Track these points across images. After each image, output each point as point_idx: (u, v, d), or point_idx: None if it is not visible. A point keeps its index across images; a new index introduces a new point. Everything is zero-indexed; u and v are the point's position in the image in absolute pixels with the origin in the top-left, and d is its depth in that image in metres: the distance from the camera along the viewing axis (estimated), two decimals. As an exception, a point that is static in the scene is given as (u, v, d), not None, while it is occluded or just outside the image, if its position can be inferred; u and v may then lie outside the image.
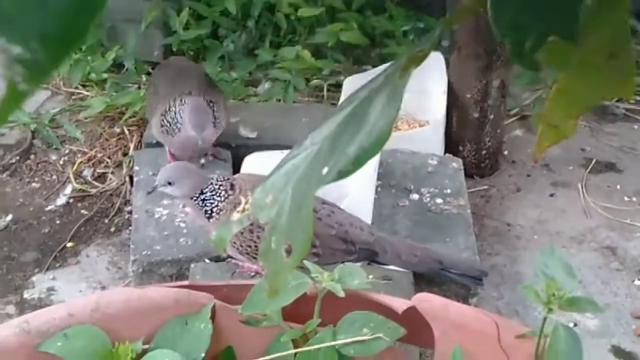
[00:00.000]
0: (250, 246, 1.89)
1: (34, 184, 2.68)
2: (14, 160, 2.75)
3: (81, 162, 2.73)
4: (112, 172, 2.70)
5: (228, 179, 1.94)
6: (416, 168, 2.48)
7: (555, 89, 0.71)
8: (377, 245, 1.95)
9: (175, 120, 2.31)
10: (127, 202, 2.59)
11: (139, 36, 2.98)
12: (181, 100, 2.31)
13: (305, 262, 1.41)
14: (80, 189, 2.65)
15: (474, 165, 2.69)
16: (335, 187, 2.26)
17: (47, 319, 1.40)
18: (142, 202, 2.33)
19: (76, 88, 2.98)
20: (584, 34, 0.56)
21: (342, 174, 0.60)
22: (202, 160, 2.46)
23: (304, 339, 1.41)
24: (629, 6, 0.67)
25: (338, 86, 2.90)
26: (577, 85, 0.69)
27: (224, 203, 1.89)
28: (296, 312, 1.43)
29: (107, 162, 2.73)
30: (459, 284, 2.18)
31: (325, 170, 0.61)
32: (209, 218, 1.90)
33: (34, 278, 2.37)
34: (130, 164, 2.65)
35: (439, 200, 2.38)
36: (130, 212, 2.50)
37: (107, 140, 2.80)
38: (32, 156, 2.77)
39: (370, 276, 1.83)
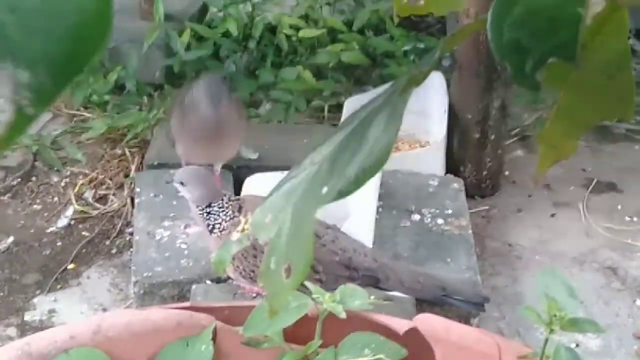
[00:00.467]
0: (253, 271, 1.89)
1: (35, 206, 2.68)
2: (15, 183, 2.75)
3: (82, 184, 2.73)
4: (113, 194, 2.71)
5: (238, 199, 1.93)
6: (417, 188, 2.48)
7: (555, 109, 0.71)
8: (380, 272, 1.94)
9: (192, 101, 2.20)
10: (128, 224, 2.59)
11: (141, 57, 2.99)
12: (198, 83, 2.22)
13: (306, 283, 1.41)
14: (81, 211, 2.65)
15: (475, 185, 2.69)
16: (336, 208, 2.26)
17: (49, 341, 1.40)
18: (143, 224, 2.33)
19: (78, 110, 2.99)
20: (583, 55, 0.56)
21: (342, 194, 0.60)
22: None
23: (305, 360, 1.41)
24: (628, 26, 0.67)
25: (339, 107, 2.91)
26: (577, 105, 0.69)
27: (228, 223, 1.89)
28: (297, 333, 1.43)
29: (109, 184, 2.74)
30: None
31: (325, 190, 0.61)
32: (210, 232, 1.90)
33: (35, 300, 2.37)
34: (132, 186, 2.65)
35: (440, 221, 2.38)
36: (131, 234, 2.50)
37: (108, 161, 2.81)
38: (33, 178, 2.77)
39: (372, 297, 1.83)
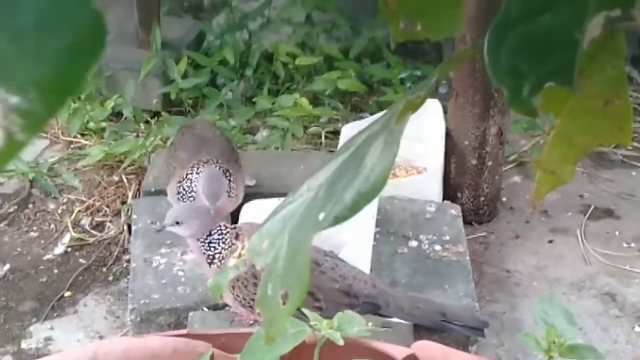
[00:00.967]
0: (253, 299, 1.89)
1: (32, 233, 2.67)
2: (12, 210, 2.75)
3: (79, 211, 2.73)
4: (110, 221, 2.70)
5: (234, 227, 1.94)
6: (414, 215, 2.48)
7: (552, 135, 0.71)
8: (380, 299, 1.94)
9: (190, 189, 2.26)
10: (125, 251, 2.58)
11: (138, 85, 2.99)
12: (197, 169, 2.27)
13: (304, 310, 1.40)
14: (78, 238, 2.64)
15: (472, 211, 2.69)
16: (334, 235, 2.26)
17: (44, 369, 1.39)
18: (140, 251, 2.33)
19: (75, 137, 2.99)
20: (580, 80, 0.56)
21: (339, 220, 0.60)
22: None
23: (302, 388, 1.40)
24: (625, 53, 0.67)
25: (336, 133, 2.91)
26: (574, 131, 0.69)
27: (226, 251, 1.89)
28: (295, 360, 1.42)
29: (106, 211, 2.73)
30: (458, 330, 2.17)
31: (322, 215, 0.61)
32: (210, 264, 1.90)
33: (31, 328, 2.36)
34: (129, 213, 2.65)
35: (437, 247, 2.37)
36: (128, 261, 2.50)
37: (105, 188, 2.80)
38: (30, 205, 2.77)
39: (370, 324, 1.82)
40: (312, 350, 1.40)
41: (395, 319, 2.06)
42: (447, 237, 2.40)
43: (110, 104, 2.98)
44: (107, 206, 2.74)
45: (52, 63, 0.37)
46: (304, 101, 3.01)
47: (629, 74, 3.27)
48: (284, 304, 0.63)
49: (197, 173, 2.26)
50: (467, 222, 2.57)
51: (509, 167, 2.92)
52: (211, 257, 1.90)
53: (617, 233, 2.71)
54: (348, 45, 3.26)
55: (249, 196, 2.48)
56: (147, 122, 3.01)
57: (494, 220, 2.74)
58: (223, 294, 1.73)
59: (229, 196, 2.27)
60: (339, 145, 2.69)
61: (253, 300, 1.88)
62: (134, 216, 2.47)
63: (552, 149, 0.72)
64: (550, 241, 2.68)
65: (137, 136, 2.93)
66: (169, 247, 2.34)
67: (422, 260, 2.33)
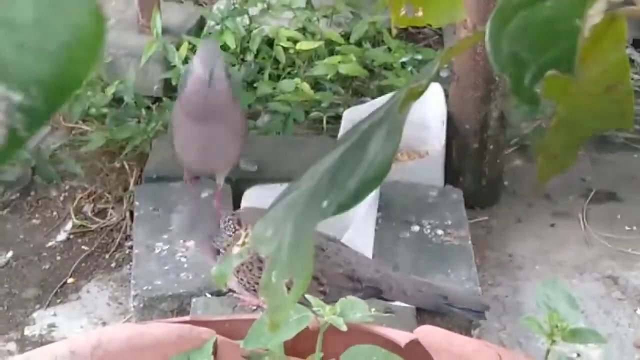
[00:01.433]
0: (257, 283, 1.89)
1: (34, 221, 2.68)
2: (14, 197, 2.75)
3: (81, 198, 2.73)
4: (112, 208, 2.70)
5: (235, 214, 1.94)
6: (416, 200, 2.48)
7: (554, 120, 0.71)
8: (383, 283, 1.95)
9: (186, 71, 2.21)
10: (127, 237, 2.58)
11: (139, 71, 2.99)
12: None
13: (307, 296, 1.40)
14: (80, 225, 2.64)
15: (474, 196, 2.69)
16: (336, 220, 2.26)
17: (49, 356, 1.39)
18: (142, 237, 2.33)
19: (76, 123, 2.99)
20: (582, 66, 0.56)
21: (343, 207, 0.60)
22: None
23: (306, 373, 1.41)
24: (626, 37, 0.67)
25: (337, 118, 2.91)
26: (576, 116, 0.69)
27: (230, 238, 1.90)
28: (298, 346, 1.42)
29: (108, 198, 2.73)
30: (461, 314, 2.18)
31: (325, 203, 0.61)
32: (216, 258, 1.91)
33: (34, 314, 2.37)
34: (131, 199, 2.65)
35: (440, 232, 2.38)
36: (130, 247, 2.50)
37: (107, 175, 2.80)
38: (32, 192, 2.77)
39: (373, 309, 1.82)
40: (315, 336, 1.41)
41: (397, 303, 2.06)
42: (449, 222, 2.41)
43: (111, 90, 2.97)
44: (109, 193, 2.74)
45: (53, 59, 0.37)
46: (305, 86, 3.00)
47: (630, 56, 3.26)
48: (288, 290, 0.63)
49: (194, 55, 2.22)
50: (469, 206, 2.57)
51: (510, 150, 2.92)
52: (218, 249, 1.91)
53: (619, 216, 2.71)
54: (349, 29, 3.25)
55: (251, 181, 2.48)
56: (148, 107, 3.01)
57: (496, 204, 2.74)
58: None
59: (225, 74, 2.20)
60: (341, 130, 2.69)
61: (257, 284, 1.89)
62: (136, 203, 2.47)
63: (554, 134, 0.72)
64: (552, 225, 2.68)
65: (139, 122, 2.93)
66: (171, 234, 2.35)
67: (425, 244, 2.34)
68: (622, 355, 2.25)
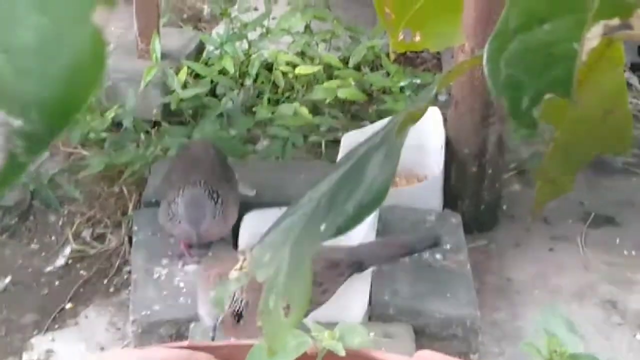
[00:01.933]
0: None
1: (33, 246, 2.67)
2: (13, 222, 2.75)
3: (80, 223, 2.73)
4: (111, 232, 2.70)
5: None
6: (415, 224, 2.48)
7: (552, 144, 0.71)
8: (356, 256, 2.07)
9: (176, 212, 2.25)
10: (126, 262, 2.58)
11: (138, 95, 2.99)
12: (183, 191, 2.25)
13: (305, 320, 1.40)
14: (79, 250, 2.64)
15: (473, 220, 2.69)
16: (334, 244, 2.26)
17: (46, 381, 1.39)
18: (141, 262, 2.33)
19: (75, 148, 2.99)
20: (579, 90, 0.56)
21: (341, 231, 0.60)
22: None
23: (305, 399, 1.40)
24: (624, 61, 0.67)
25: (336, 142, 2.91)
26: (574, 140, 0.69)
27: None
28: (297, 371, 1.42)
29: (106, 222, 2.73)
30: (460, 339, 2.18)
31: (323, 226, 0.61)
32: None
33: (33, 340, 2.36)
34: (129, 224, 2.65)
35: (438, 256, 2.37)
36: (129, 272, 2.50)
37: (106, 200, 2.80)
38: (31, 217, 2.77)
39: (372, 334, 1.82)
40: (314, 361, 1.40)
41: (396, 328, 2.06)
42: (448, 246, 2.40)
43: (110, 115, 2.98)
44: (108, 217, 2.74)
45: (54, 84, 0.37)
46: (304, 110, 3.01)
47: (628, 80, 3.27)
48: (285, 316, 0.63)
49: (182, 196, 2.25)
50: (467, 230, 2.57)
51: (509, 174, 2.92)
52: None
53: (617, 240, 2.70)
54: (347, 54, 3.26)
55: (249, 206, 2.48)
56: (147, 132, 3.01)
57: (495, 229, 2.74)
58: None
59: (214, 218, 2.25)
60: (340, 154, 2.70)
61: None
62: (135, 227, 2.47)
63: (552, 159, 0.72)
64: (551, 249, 2.68)
65: (138, 146, 2.93)
66: (170, 258, 2.35)
67: (424, 269, 2.33)
68: (622, 380, 2.25)
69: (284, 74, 3.13)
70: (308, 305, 0.60)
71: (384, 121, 2.39)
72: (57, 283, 2.54)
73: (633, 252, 2.66)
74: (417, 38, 0.84)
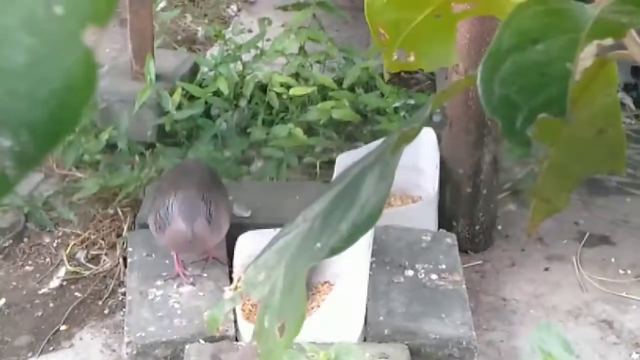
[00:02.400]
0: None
1: (27, 267, 2.67)
2: (7, 244, 2.74)
3: (75, 244, 2.72)
4: (105, 254, 2.69)
5: None
6: (410, 244, 2.48)
7: (546, 164, 0.72)
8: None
9: (167, 214, 2.23)
10: (120, 284, 2.57)
11: (132, 117, 2.99)
12: (175, 194, 2.24)
13: (301, 341, 1.40)
14: (73, 272, 2.63)
15: (468, 240, 2.69)
16: (330, 265, 2.26)
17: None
18: (135, 284, 2.32)
19: (69, 170, 2.99)
20: (573, 110, 0.56)
21: (335, 251, 0.60)
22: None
23: (300, 420, 1.40)
24: (617, 81, 0.67)
25: (331, 163, 2.91)
26: (568, 160, 0.69)
27: None
28: (292, 392, 1.41)
29: (101, 244, 2.72)
30: (456, 359, 2.17)
31: (318, 246, 0.61)
32: None
33: (27, 362, 2.35)
34: (124, 245, 2.64)
35: (434, 276, 2.37)
36: (124, 294, 2.49)
37: (100, 221, 2.80)
38: (25, 239, 2.76)
39: (367, 354, 1.81)
40: (310, 382, 1.40)
41: (392, 349, 2.05)
42: (443, 266, 2.40)
43: (104, 136, 2.98)
44: (103, 239, 2.74)
45: (44, 106, 0.37)
46: (299, 131, 3.01)
47: (622, 100, 3.28)
48: (280, 336, 0.62)
49: (174, 198, 2.24)
50: (462, 250, 2.57)
51: (503, 195, 2.92)
52: None
53: (613, 260, 2.70)
54: (342, 75, 3.27)
55: (244, 227, 2.48)
56: (141, 154, 3.01)
57: (490, 249, 2.74)
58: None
59: (209, 222, 2.23)
60: (334, 175, 2.70)
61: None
62: (130, 249, 2.47)
63: (547, 178, 0.72)
64: (546, 269, 2.68)
65: (132, 168, 2.93)
66: (164, 280, 2.34)
67: (419, 289, 2.33)
68: (618, 399, 2.24)
69: (279, 95, 3.14)
70: (303, 324, 0.60)
71: (379, 142, 2.40)
72: (51, 305, 2.53)
73: (628, 271, 2.66)
74: (411, 58, 0.85)
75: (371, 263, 2.35)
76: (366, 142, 3.01)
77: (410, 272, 2.38)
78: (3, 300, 2.55)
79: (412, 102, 3.18)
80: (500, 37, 0.57)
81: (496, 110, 0.55)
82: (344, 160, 2.72)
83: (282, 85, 3.14)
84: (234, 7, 3.98)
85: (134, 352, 2.14)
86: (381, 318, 2.23)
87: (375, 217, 0.58)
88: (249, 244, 2.37)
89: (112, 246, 2.71)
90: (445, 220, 2.66)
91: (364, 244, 2.27)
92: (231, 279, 2.34)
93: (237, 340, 2.16)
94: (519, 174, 3.01)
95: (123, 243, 2.67)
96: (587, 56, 0.59)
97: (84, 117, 2.91)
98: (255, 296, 0.65)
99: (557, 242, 2.77)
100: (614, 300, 2.55)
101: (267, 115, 3.16)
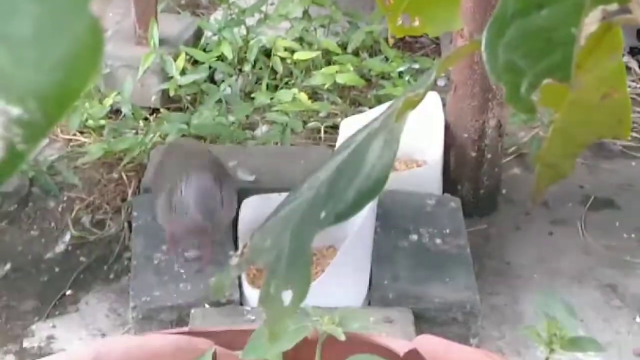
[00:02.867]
0: None
1: (32, 232, 2.67)
2: (12, 209, 2.75)
3: (80, 209, 2.73)
4: (110, 219, 2.70)
5: None
6: (415, 208, 2.48)
7: (551, 129, 0.72)
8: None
9: (181, 204, 2.13)
10: (126, 249, 2.58)
11: (136, 82, 2.99)
12: (187, 183, 2.14)
13: (305, 305, 1.40)
14: (79, 236, 2.64)
15: (472, 204, 2.69)
16: (334, 230, 2.26)
17: (47, 368, 1.39)
18: (141, 248, 2.33)
19: (74, 135, 2.99)
20: (578, 75, 0.56)
21: (341, 218, 0.60)
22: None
23: (305, 383, 1.41)
24: (622, 46, 0.67)
25: (335, 128, 2.91)
26: (573, 125, 0.69)
27: None
28: (297, 356, 1.42)
29: (106, 209, 2.73)
30: (460, 323, 2.18)
31: (323, 214, 0.61)
32: None
33: (33, 327, 2.36)
34: (129, 210, 2.65)
35: (438, 241, 2.37)
36: (129, 259, 2.50)
37: (105, 186, 2.80)
38: (30, 204, 2.77)
39: (371, 318, 1.82)
40: (314, 346, 1.40)
41: (397, 312, 2.06)
42: (448, 230, 2.41)
43: (108, 102, 2.98)
44: (107, 204, 2.74)
45: (52, 73, 0.37)
46: (303, 96, 3.01)
47: (627, 64, 3.27)
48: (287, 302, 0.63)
49: (187, 186, 2.13)
50: (467, 214, 2.57)
51: (508, 159, 2.92)
52: None
53: (617, 224, 2.71)
54: (346, 39, 3.26)
55: (248, 192, 2.48)
56: (146, 119, 3.01)
57: (494, 213, 2.74)
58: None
59: (222, 206, 2.15)
60: (339, 140, 2.70)
61: None
62: (134, 213, 2.47)
63: (552, 144, 0.72)
64: (551, 233, 2.68)
65: (136, 133, 2.93)
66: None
67: (423, 253, 2.33)
68: (621, 363, 2.25)
69: (283, 59, 3.13)
70: (308, 290, 0.60)
71: (383, 106, 2.39)
72: (57, 269, 2.54)
73: (633, 235, 2.66)
74: (416, 23, 0.84)
75: (375, 227, 2.36)
76: (371, 107, 3.01)
77: (414, 237, 2.39)
78: (9, 265, 2.56)
79: (416, 66, 3.17)
80: (505, 2, 0.57)
81: (501, 76, 0.55)
82: (348, 125, 2.71)
83: (286, 49, 3.13)
84: (237, -30, 3.96)
85: (140, 317, 2.15)
86: (385, 282, 2.23)
87: (381, 184, 0.58)
88: (253, 209, 2.37)
89: (117, 211, 2.72)
90: (449, 185, 2.66)
91: (369, 208, 2.27)
92: (236, 244, 2.34)
93: (241, 304, 2.17)
94: (524, 138, 3.01)
95: (128, 208, 2.68)
96: (592, 21, 0.59)
97: (90, 84, 2.91)
98: (261, 262, 0.65)
99: (561, 206, 2.77)
100: (618, 265, 2.56)
101: (271, 80, 3.16)
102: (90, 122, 2.99)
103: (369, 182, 0.58)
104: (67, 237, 2.65)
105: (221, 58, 3.14)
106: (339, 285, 2.17)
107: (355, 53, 3.21)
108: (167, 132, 2.87)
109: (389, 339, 1.47)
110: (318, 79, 3.07)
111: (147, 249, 2.32)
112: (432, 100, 2.67)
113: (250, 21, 3.26)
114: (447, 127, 2.65)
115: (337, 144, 2.64)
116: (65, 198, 2.79)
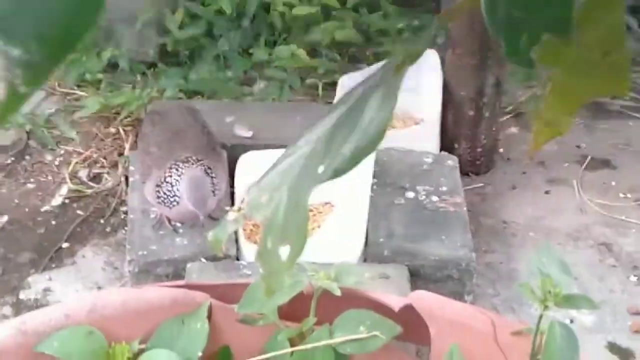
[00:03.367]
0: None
1: (29, 185, 2.67)
2: (9, 161, 2.75)
3: (77, 163, 2.73)
4: (107, 173, 2.70)
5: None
6: (411, 166, 2.48)
7: (550, 86, 0.71)
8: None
9: (173, 193, 2.12)
10: (122, 203, 2.58)
11: (134, 36, 2.97)
12: (177, 170, 2.13)
13: (301, 261, 1.41)
14: (75, 190, 2.64)
15: (469, 163, 2.69)
16: (330, 185, 2.26)
17: (44, 320, 1.40)
18: (137, 203, 2.33)
19: (71, 88, 2.98)
20: (578, 31, 0.56)
21: (338, 173, 0.60)
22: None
23: (300, 338, 1.42)
24: (624, 2, 0.67)
25: (333, 84, 2.90)
26: (571, 82, 0.69)
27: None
28: (292, 310, 1.43)
29: (103, 163, 2.73)
30: (455, 280, 2.19)
31: (321, 169, 0.61)
32: None
33: (30, 279, 2.37)
34: (126, 164, 2.65)
35: (434, 198, 2.38)
36: (125, 213, 2.50)
37: (102, 140, 2.80)
38: (27, 157, 2.77)
39: (367, 274, 1.83)
40: (310, 301, 1.41)
41: (392, 269, 2.07)
42: (444, 188, 2.41)
43: (106, 55, 2.96)
44: (104, 158, 2.74)
45: (53, 16, 0.37)
46: (301, 52, 3.00)
47: (627, 23, 3.25)
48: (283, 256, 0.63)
49: (177, 176, 2.12)
50: (464, 173, 2.57)
51: (506, 117, 2.92)
52: None
53: (613, 183, 2.71)
54: (345, -5, 3.24)
55: (246, 147, 2.48)
56: (143, 73, 3.00)
57: (491, 171, 2.75)
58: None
59: (214, 194, 2.14)
60: (337, 97, 2.69)
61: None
62: (131, 168, 2.47)
63: (550, 101, 0.72)
64: (547, 192, 2.68)
65: (134, 88, 2.93)
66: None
67: (420, 211, 2.34)
68: (615, 321, 2.26)
69: (282, 14, 3.11)
70: (305, 245, 0.61)
71: (382, 63, 2.39)
72: (53, 222, 2.54)
73: (629, 195, 2.67)
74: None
75: (372, 184, 2.36)
76: (369, 64, 3.00)
77: (411, 194, 2.39)
78: (5, 217, 2.56)
79: (416, 23, 3.15)
80: (506, -43, 0.57)
81: (500, 31, 0.55)
82: (346, 82, 2.71)
83: (285, 4, 3.11)
84: None
85: (136, 270, 2.16)
86: (381, 239, 2.24)
87: (378, 139, 0.58)
88: (250, 164, 2.37)
89: (114, 165, 2.72)
90: (447, 143, 2.66)
91: (365, 165, 2.27)
92: (232, 199, 2.34)
93: (238, 259, 2.18)
94: (522, 96, 3.00)
95: (125, 162, 2.68)
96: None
97: (94, 27, 2.89)
98: (258, 217, 0.65)
99: (558, 165, 2.77)
100: (613, 224, 2.57)
101: (270, 35, 3.14)
102: (88, 76, 2.98)
103: (367, 137, 0.58)
104: (64, 191, 2.65)
105: (220, 12, 3.12)
106: (335, 241, 2.18)
107: (355, 9, 3.19)
108: (164, 87, 2.86)
109: (384, 294, 1.48)
110: (317, 35, 3.06)
111: (144, 204, 2.32)
112: (431, 58, 2.66)
113: (249, -25, 3.23)
114: (445, 86, 2.65)
115: (335, 101, 2.63)
116: (62, 152, 2.79)
